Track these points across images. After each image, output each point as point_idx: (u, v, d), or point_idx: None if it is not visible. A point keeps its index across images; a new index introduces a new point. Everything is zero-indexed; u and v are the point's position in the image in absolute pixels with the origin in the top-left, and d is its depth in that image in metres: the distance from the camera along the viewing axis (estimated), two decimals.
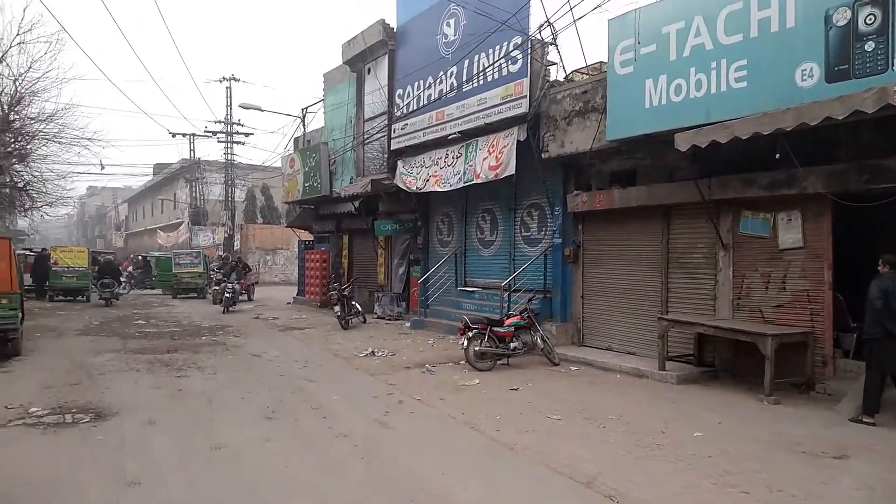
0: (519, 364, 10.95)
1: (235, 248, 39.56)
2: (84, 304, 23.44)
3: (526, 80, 12.37)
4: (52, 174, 25.85)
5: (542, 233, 13.42)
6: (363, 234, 20.44)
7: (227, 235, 39.27)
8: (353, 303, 16.36)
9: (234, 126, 36.97)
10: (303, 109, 24.00)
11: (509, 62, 12.79)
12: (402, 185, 16.30)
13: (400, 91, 16.58)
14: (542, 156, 12.36)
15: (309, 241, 24.37)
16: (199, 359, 11.29)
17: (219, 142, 37.62)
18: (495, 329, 10.84)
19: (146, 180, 57.45)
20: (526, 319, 11.17)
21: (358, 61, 18.74)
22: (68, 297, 24.49)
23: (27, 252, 26.71)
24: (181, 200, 47.71)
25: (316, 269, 22.53)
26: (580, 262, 12.50)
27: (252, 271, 27.46)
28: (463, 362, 10.74)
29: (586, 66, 13.08)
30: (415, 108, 15.85)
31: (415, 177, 16.02)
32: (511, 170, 12.63)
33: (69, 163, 36.17)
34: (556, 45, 12.53)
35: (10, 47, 20.11)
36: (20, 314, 11.48)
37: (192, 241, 41.92)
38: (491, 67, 13.21)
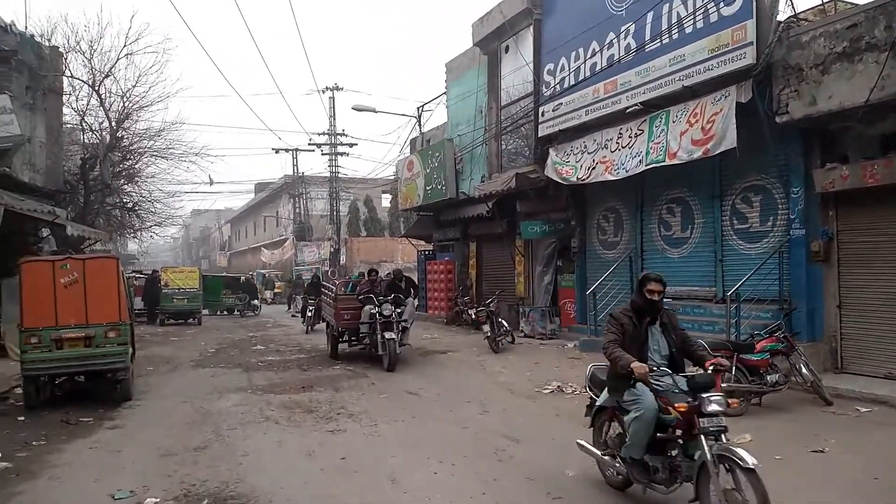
0: (775, 403, 7.86)
1: (342, 262, 38.04)
2: (196, 328, 22.01)
3: (751, 23, 9.29)
4: (160, 193, 24.88)
5: (770, 224, 10.20)
6: (495, 239, 17.75)
7: (333, 250, 37.83)
8: (501, 320, 13.64)
9: (339, 137, 35.50)
10: (419, 107, 21.71)
11: (721, 3, 9.76)
12: (555, 177, 13.49)
13: (550, 66, 13.82)
14: (777, 120, 9.23)
15: (429, 252, 21.97)
16: (345, 399, 8.87)
17: (322, 154, 36.30)
18: (744, 357, 7.80)
19: (248, 199, 57.64)
20: (783, 343, 8.07)
21: (492, 40, 16.16)
22: (179, 321, 23.21)
23: (136, 274, 25.82)
24: (284, 217, 46.99)
25: (440, 282, 20.08)
26: (833, 260, 9.23)
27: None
28: None
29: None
30: (572, 83, 13.03)
31: (573, 166, 13.17)
32: (730, 142, 9.56)
33: (177, 181, 35.65)
34: None
35: (118, 59, 18.91)
36: (130, 349, 9.48)
37: (298, 258, 40.80)
38: (692, 15, 10.22)
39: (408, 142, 22.89)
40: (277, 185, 46.52)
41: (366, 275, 13.94)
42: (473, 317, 17.48)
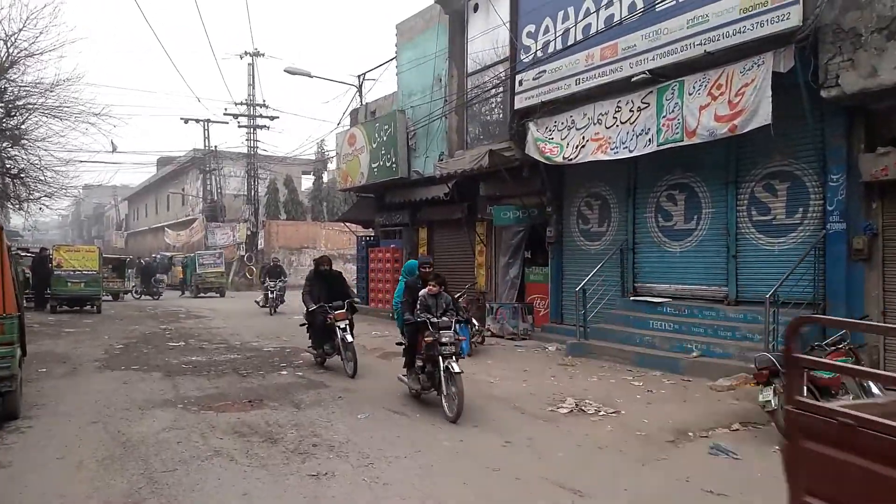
0: None
1: (260, 246, 35.17)
2: (95, 317, 19.00)
3: None
4: (52, 159, 21.36)
5: (799, 216, 9.05)
6: (452, 225, 16.05)
7: (250, 233, 34.90)
8: (472, 318, 11.93)
9: (259, 108, 32.54)
10: (360, 75, 19.56)
11: None
12: (536, 156, 11.91)
13: (531, 28, 12.18)
14: (823, 94, 8.02)
15: (371, 238, 19.92)
16: (313, 421, 6.91)
17: (240, 126, 33.21)
18: (815, 375, 6.50)
19: (150, 175, 52.91)
20: (851, 356, 6.86)
21: None
22: (74, 308, 20.06)
23: (22, 252, 22.26)
24: (192, 195, 43.21)
25: (384, 272, 18.13)
26: (877, 260, 8.16)
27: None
28: (762, 427, 6.47)
29: None
30: (559, 47, 11.46)
31: (557, 143, 11.63)
32: (763, 118, 8.28)
33: (73, 147, 31.53)
34: None
35: None
36: (19, 350, 7.10)
37: (209, 240, 37.43)
38: None
39: (346, 114, 20.69)
40: (185, 160, 42.62)
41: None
42: None
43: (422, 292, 7.71)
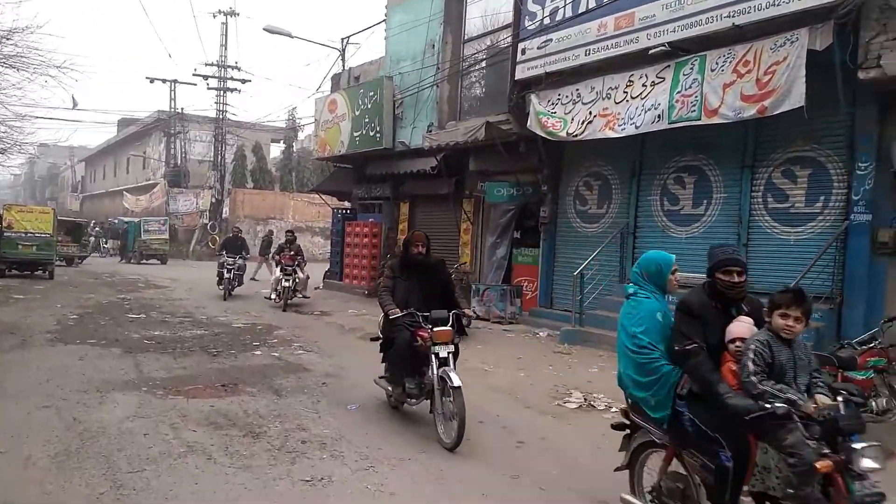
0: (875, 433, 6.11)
1: (224, 215, 33.83)
2: (47, 283, 17.76)
3: None
4: (7, 113, 19.79)
5: (820, 204, 8.52)
6: (437, 201, 15.27)
7: (214, 200, 33.51)
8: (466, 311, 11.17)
9: (230, 70, 31.03)
10: (343, 38, 18.48)
11: None
12: (539, 131, 11.18)
13: None
14: (861, 75, 7.45)
15: (348, 210, 18.98)
16: (297, 410, 6.15)
17: (209, 88, 31.65)
18: (849, 375, 5.99)
19: (110, 136, 50.62)
20: (883, 356, 6.38)
21: None
22: (25, 272, 18.74)
23: None
24: (154, 158, 41.38)
25: (361, 247, 17.25)
26: None
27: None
28: None
29: None
30: (568, 14, 10.70)
31: (561, 118, 10.91)
32: (796, 100, 7.68)
33: (30, 101, 29.62)
34: None
35: None
36: None
37: (171, 206, 35.88)
38: None
39: (326, 78, 19.59)
40: (149, 122, 40.69)
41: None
42: None
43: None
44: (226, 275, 15.52)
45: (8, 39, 17.59)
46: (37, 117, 29.25)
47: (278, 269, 14.55)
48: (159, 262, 29.17)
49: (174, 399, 6.41)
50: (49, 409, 5.87)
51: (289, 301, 13.97)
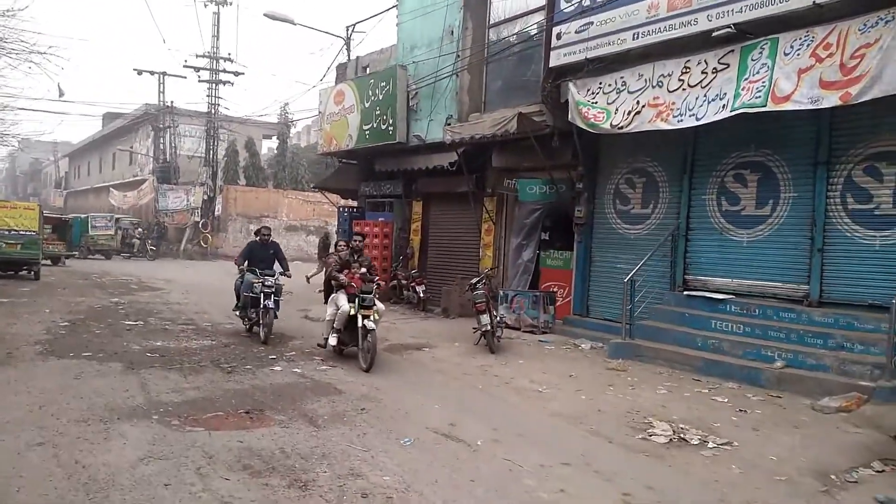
0: None
1: (217, 212, 32.63)
2: (33, 284, 16.60)
3: None
4: None
5: None
6: (454, 199, 14.28)
7: (206, 198, 32.29)
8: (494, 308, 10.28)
9: (223, 63, 29.81)
10: (348, 27, 17.44)
11: None
12: (579, 123, 10.22)
13: None
14: None
15: (356, 209, 17.93)
16: (340, 445, 5.17)
17: (200, 81, 30.42)
18: None
19: (95, 131, 49.08)
20: None
21: None
22: (9, 272, 17.55)
23: None
24: (142, 154, 40.01)
25: (372, 248, 16.12)
26: None
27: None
28: None
29: None
30: None
31: (603, 108, 9.97)
32: (889, 86, 6.82)
33: (12, 90, 28.30)
34: None
35: None
36: None
37: (160, 203, 34.58)
38: None
39: (331, 68, 18.55)
40: (136, 116, 39.30)
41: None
42: (420, 295, 14.18)
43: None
44: (263, 300, 9.52)
45: None
46: (20, 108, 27.83)
47: (342, 296, 8.53)
48: (104, 257, 29.65)
49: (193, 432, 5.40)
50: (44, 448, 4.86)
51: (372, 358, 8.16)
